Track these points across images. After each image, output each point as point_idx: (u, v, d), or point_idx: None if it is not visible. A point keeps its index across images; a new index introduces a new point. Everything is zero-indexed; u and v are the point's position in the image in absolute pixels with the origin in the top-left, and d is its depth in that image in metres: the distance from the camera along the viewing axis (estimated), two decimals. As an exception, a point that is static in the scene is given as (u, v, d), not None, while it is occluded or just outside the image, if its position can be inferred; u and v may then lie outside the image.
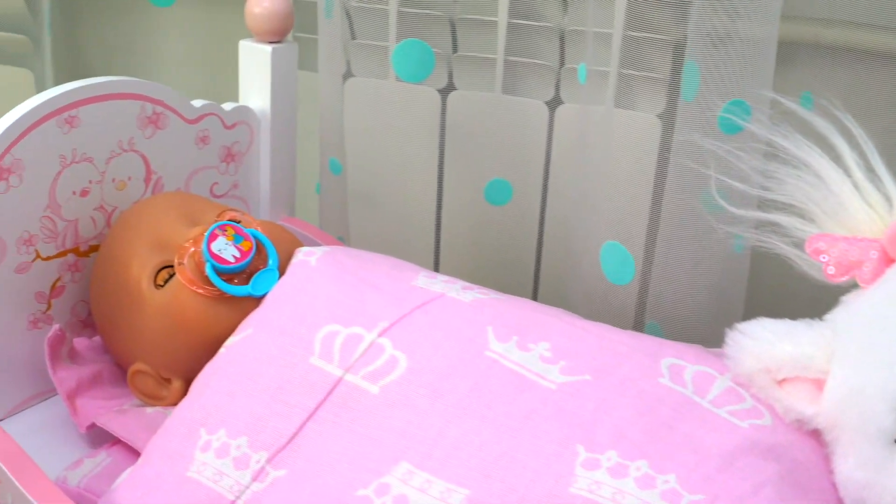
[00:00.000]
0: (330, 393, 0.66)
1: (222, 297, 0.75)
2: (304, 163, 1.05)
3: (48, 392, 0.84)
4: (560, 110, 1.03)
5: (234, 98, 0.96)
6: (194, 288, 0.75)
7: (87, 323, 0.87)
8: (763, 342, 0.63)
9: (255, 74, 0.93)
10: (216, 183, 0.93)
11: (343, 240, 1.08)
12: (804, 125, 0.70)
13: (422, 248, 1.13)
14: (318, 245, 0.94)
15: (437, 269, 1.15)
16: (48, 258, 0.81)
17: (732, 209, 0.72)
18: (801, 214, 0.67)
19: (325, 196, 1.09)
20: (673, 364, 0.65)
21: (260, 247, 0.76)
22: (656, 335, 0.91)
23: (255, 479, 0.64)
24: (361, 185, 1.10)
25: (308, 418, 0.65)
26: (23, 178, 0.77)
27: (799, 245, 0.68)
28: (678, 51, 0.96)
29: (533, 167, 1.05)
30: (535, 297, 1.12)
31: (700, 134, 0.81)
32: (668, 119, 0.96)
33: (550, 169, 1.05)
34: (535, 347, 0.66)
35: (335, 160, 1.05)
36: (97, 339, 0.86)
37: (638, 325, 0.96)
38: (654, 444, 0.59)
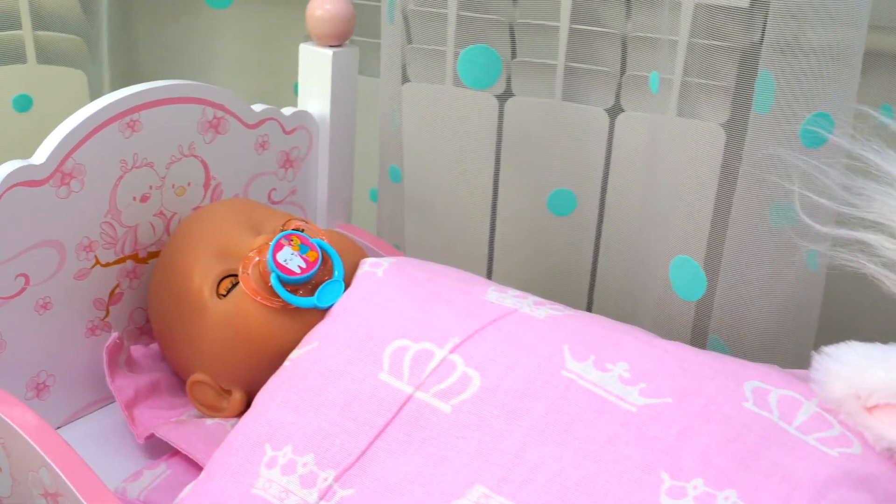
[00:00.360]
0: (400, 410, 0.64)
1: (286, 309, 0.73)
2: (358, 169, 1.04)
3: (104, 400, 0.83)
4: (620, 118, 1.01)
5: (288, 102, 0.95)
6: (258, 298, 0.73)
7: (144, 330, 0.86)
8: (853, 366, 0.61)
9: (315, 79, 0.92)
10: (274, 189, 0.91)
11: (399, 248, 1.06)
12: (890, 139, 0.68)
13: (476, 257, 1.11)
14: (377, 253, 0.92)
15: (489, 277, 1.13)
16: (107, 265, 0.80)
17: (816, 225, 0.69)
18: (892, 233, 0.65)
19: (383, 203, 1.07)
20: (757, 387, 0.63)
21: (326, 257, 0.74)
22: (720, 351, 0.89)
23: (322, 497, 0.62)
24: (417, 192, 1.08)
25: (377, 436, 0.64)
26: (84, 183, 0.75)
27: (888, 265, 0.65)
28: (745, 59, 0.94)
29: (595, 177, 1.03)
30: (588, 309, 1.10)
31: (775, 146, 0.78)
32: (734, 129, 0.94)
33: (611, 178, 1.03)
34: (614, 368, 0.64)
35: (396, 168, 1.03)
36: (154, 346, 0.85)
37: (699, 339, 0.93)
38: (741, 473, 0.57)
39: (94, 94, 1.17)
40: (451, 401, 0.63)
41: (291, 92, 1.15)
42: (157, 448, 0.78)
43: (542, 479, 0.58)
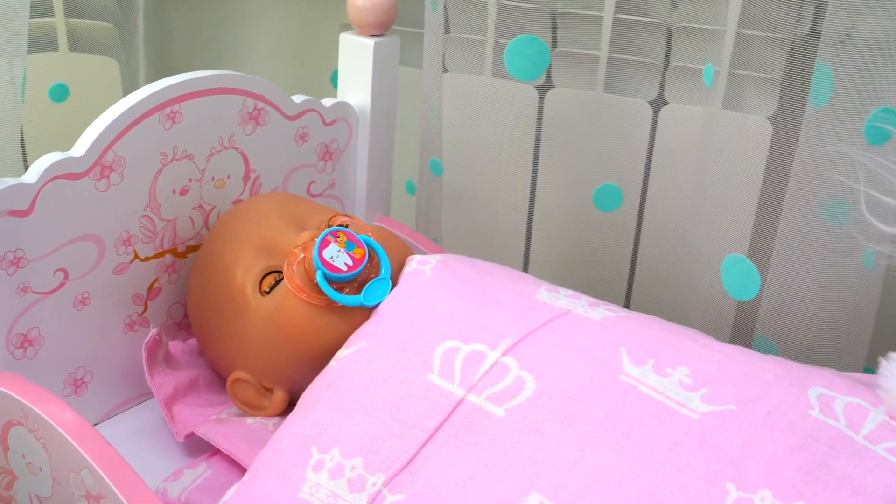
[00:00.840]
0: (451, 414, 0.62)
1: (332, 307, 0.71)
2: (395, 161, 1.02)
3: (140, 397, 0.82)
4: (664, 111, 0.98)
5: (324, 91, 0.93)
6: (303, 296, 0.71)
7: (182, 326, 0.84)
8: (924, 374, 0.59)
9: (356, 69, 0.90)
10: (313, 182, 0.89)
11: (437, 241, 1.04)
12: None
13: (513, 249, 1.09)
14: (417, 248, 0.90)
15: (526, 270, 1.11)
16: (146, 259, 0.78)
17: (879, 224, 0.67)
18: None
19: (421, 196, 1.05)
20: (822, 394, 0.61)
21: (372, 254, 0.72)
22: (768, 350, 0.87)
23: (371, 502, 0.60)
24: (456, 185, 1.06)
25: (427, 440, 0.62)
26: (124, 175, 0.74)
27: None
28: (795, 51, 0.92)
29: (638, 171, 1.01)
30: (627, 304, 1.08)
31: (835, 142, 0.76)
32: (783, 123, 0.91)
33: (654, 172, 1.00)
34: (674, 372, 0.62)
35: (437, 161, 1.01)
36: (192, 342, 0.83)
37: (746, 337, 0.91)
38: (810, 485, 0.55)
39: (127, 83, 1.15)
40: (504, 405, 0.61)
41: (328, 81, 1.13)
42: (196, 446, 0.76)
43: (601, 487, 0.56)
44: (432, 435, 0.62)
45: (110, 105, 0.73)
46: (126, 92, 1.15)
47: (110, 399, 0.80)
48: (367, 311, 0.70)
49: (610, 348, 0.63)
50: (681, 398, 0.60)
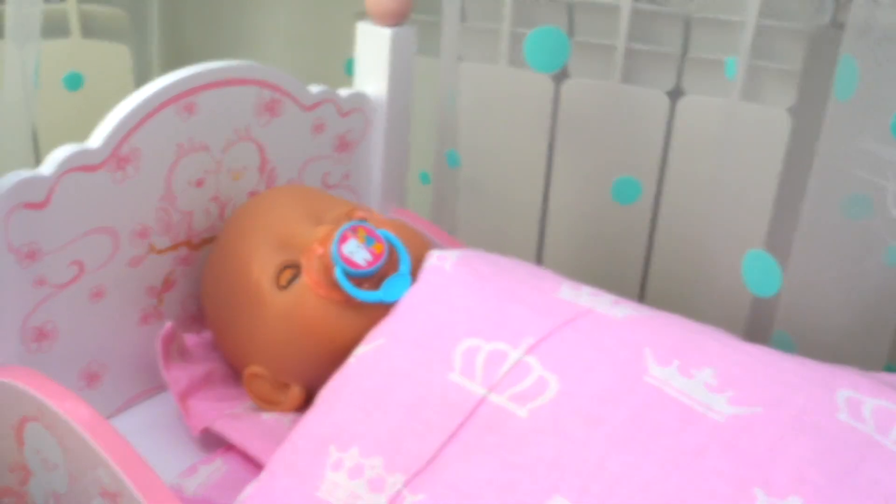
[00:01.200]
0: (472, 413, 0.61)
1: (350, 303, 0.70)
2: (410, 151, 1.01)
3: (152, 390, 0.81)
4: (682, 102, 0.97)
5: (338, 79, 0.92)
6: (321, 292, 0.70)
7: (196, 318, 0.83)
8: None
9: (373, 59, 0.89)
10: (328, 173, 0.88)
11: (452, 233, 1.03)
12: None
13: (527, 240, 1.08)
14: (434, 242, 0.90)
15: (539, 262, 1.10)
16: (162, 251, 0.77)
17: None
18: None
19: (437, 187, 1.04)
20: (850, 397, 0.60)
21: (392, 250, 0.72)
22: (786, 346, 0.86)
23: (390, 503, 0.60)
24: (471, 176, 1.05)
25: (448, 440, 0.61)
26: (139, 167, 0.73)
27: None
28: (814, 42, 0.90)
29: (656, 162, 1.00)
30: (641, 298, 1.07)
31: (860, 135, 0.75)
32: (803, 115, 0.90)
33: (671, 164, 0.99)
34: (699, 373, 0.61)
35: (454, 152, 1.00)
36: (206, 335, 0.82)
37: (764, 333, 0.90)
38: (839, 490, 0.54)
39: (140, 69, 1.14)
40: (527, 405, 0.61)
41: (342, 69, 1.12)
42: (211, 439, 0.75)
43: (626, 491, 0.55)
44: (453, 435, 0.61)
45: (122, 94, 0.72)
46: (138, 80, 1.14)
47: (123, 392, 0.79)
48: (385, 308, 0.70)
49: (634, 348, 0.62)
50: (706, 400, 0.59)
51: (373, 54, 0.88)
